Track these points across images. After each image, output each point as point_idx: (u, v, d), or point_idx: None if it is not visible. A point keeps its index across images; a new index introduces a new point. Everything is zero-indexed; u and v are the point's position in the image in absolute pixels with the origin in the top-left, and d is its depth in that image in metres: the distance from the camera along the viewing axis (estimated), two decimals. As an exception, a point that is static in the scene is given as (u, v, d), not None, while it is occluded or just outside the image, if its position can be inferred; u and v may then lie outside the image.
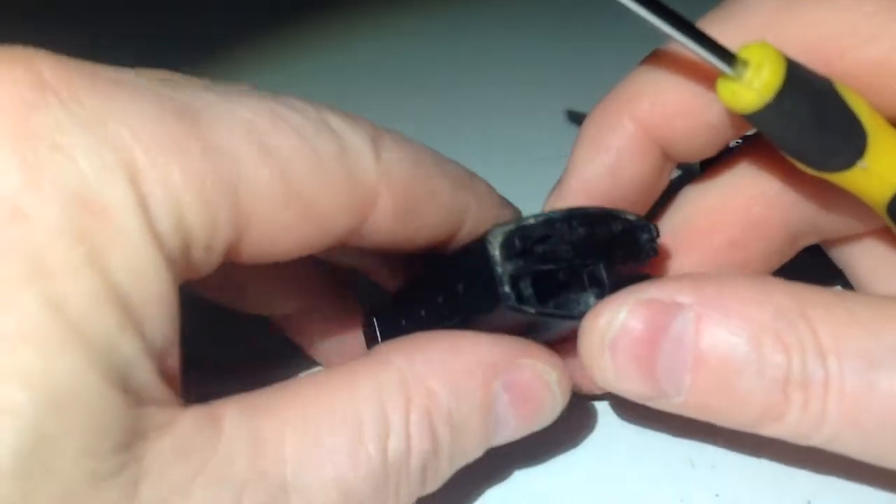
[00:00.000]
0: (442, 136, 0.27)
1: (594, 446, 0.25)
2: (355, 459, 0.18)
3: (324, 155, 0.19)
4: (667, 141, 0.22)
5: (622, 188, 0.23)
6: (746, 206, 0.24)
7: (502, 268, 0.20)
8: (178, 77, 0.19)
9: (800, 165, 0.21)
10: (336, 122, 0.20)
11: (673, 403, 0.20)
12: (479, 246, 0.20)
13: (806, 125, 0.19)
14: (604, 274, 0.21)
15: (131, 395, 0.16)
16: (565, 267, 0.21)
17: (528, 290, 0.20)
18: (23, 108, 0.16)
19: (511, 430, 0.21)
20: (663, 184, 0.24)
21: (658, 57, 0.22)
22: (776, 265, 0.25)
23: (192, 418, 0.17)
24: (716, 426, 0.21)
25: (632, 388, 0.20)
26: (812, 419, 0.19)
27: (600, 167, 0.23)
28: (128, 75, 0.18)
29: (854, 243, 0.25)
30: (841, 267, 0.26)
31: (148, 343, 0.17)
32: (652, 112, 0.22)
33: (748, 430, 0.20)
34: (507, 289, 0.20)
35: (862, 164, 0.20)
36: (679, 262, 0.24)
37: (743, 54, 0.19)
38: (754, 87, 0.19)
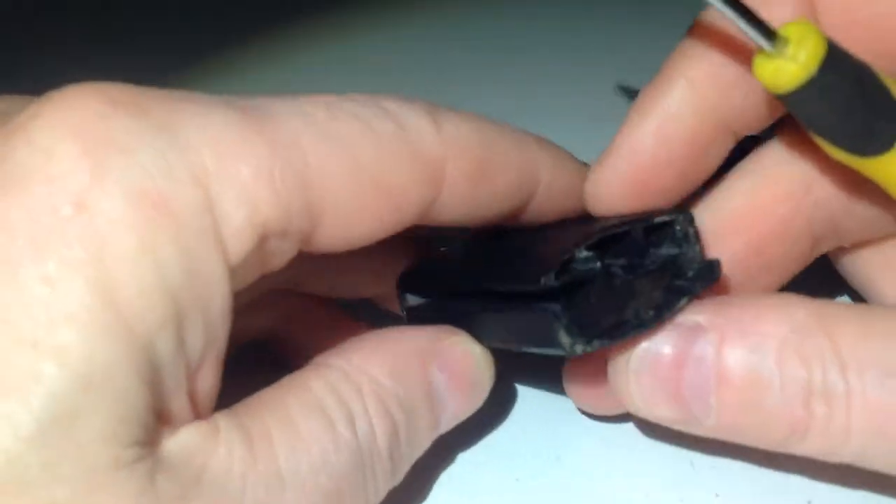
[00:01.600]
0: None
1: (595, 446, 0.24)
2: (334, 442, 0.20)
3: (384, 134, 0.20)
4: (722, 112, 0.22)
5: (669, 150, 0.22)
6: (773, 205, 0.23)
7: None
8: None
9: (833, 152, 0.20)
10: (390, 104, 0.21)
11: (705, 427, 0.21)
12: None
13: (845, 103, 0.19)
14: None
15: (155, 394, 0.17)
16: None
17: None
18: (95, 119, 0.17)
19: (452, 410, 0.22)
20: (716, 156, 0.23)
21: (705, 29, 0.22)
22: (794, 272, 0.24)
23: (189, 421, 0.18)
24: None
25: (661, 413, 0.21)
26: (838, 433, 0.19)
27: (650, 126, 0.22)
28: (193, 94, 0.19)
29: (867, 249, 0.25)
30: (849, 276, 0.26)
31: (184, 347, 0.17)
32: (707, 80, 0.21)
33: (780, 450, 0.20)
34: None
35: (901, 146, 0.20)
36: None
37: (783, 32, 0.19)
38: (799, 60, 0.18)
